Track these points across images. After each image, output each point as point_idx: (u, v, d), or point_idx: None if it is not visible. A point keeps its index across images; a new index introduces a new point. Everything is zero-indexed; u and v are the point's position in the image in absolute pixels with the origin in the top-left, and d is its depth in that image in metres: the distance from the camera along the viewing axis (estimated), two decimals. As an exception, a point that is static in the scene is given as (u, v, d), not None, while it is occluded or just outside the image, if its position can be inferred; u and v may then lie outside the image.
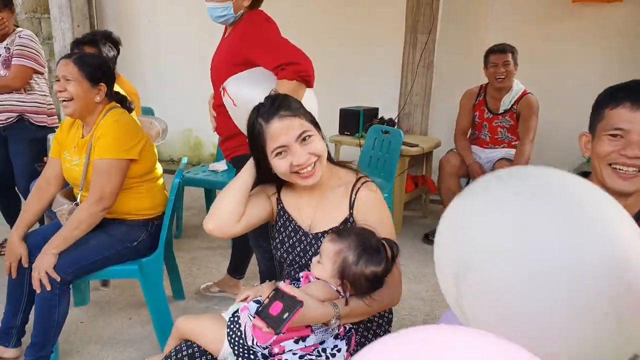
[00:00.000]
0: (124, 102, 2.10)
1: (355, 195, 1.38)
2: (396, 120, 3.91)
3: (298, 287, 1.28)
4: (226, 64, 1.98)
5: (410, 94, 3.94)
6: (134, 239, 2.02)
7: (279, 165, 1.33)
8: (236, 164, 2.15)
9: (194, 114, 4.89)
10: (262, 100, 1.40)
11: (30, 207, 2.04)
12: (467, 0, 3.97)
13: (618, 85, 1.20)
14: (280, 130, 1.31)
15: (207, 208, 3.77)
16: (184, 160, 2.43)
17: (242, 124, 1.63)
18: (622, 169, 1.14)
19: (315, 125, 1.39)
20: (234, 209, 1.39)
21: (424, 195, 3.98)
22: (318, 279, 1.28)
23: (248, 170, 1.43)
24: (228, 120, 1.95)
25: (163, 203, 2.12)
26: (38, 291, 1.81)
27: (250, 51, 1.90)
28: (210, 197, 3.76)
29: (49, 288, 1.79)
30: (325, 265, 1.26)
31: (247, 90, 1.82)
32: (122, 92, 2.19)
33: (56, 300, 1.81)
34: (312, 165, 1.33)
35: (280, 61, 1.78)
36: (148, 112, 3.95)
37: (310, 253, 1.39)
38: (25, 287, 1.96)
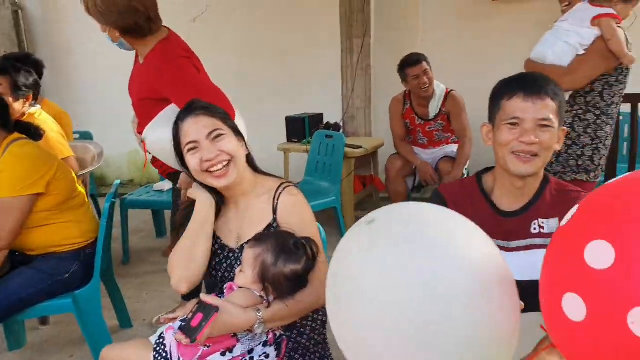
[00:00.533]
0: (28, 130, 1.99)
1: (278, 200, 1.38)
2: (341, 124, 3.94)
3: (222, 298, 1.26)
4: (143, 98, 1.94)
5: (352, 98, 3.98)
6: (65, 270, 1.91)
7: (191, 162, 1.33)
8: (173, 178, 2.13)
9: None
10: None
11: None
12: (397, 3, 4.07)
13: (511, 77, 1.28)
14: (192, 126, 1.31)
15: (156, 230, 3.69)
16: (116, 182, 2.34)
17: (175, 163, 1.60)
18: (521, 155, 1.24)
19: (236, 132, 1.38)
20: (203, 262, 1.36)
21: (374, 195, 4.02)
22: (241, 287, 1.27)
23: (202, 208, 1.37)
24: None
25: (94, 229, 2.03)
26: None
27: (166, 90, 1.86)
28: (158, 219, 3.67)
29: None
30: (246, 272, 1.25)
31: (167, 132, 1.74)
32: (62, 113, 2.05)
33: None
34: (225, 164, 1.32)
35: (184, 97, 1.68)
36: (86, 135, 3.84)
37: (235, 268, 1.37)
38: None
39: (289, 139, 3.86)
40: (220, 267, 1.41)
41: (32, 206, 1.83)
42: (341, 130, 3.79)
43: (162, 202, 3.29)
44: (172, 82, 1.84)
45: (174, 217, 2.36)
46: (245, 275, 1.25)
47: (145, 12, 1.86)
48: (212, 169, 1.31)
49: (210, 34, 4.33)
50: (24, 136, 1.94)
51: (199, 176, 1.34)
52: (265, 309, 1.22)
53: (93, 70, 4.93)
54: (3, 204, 1.77)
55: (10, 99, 2.35)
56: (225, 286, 1.33)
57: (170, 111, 1.79)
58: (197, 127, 1.31)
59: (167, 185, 3.45)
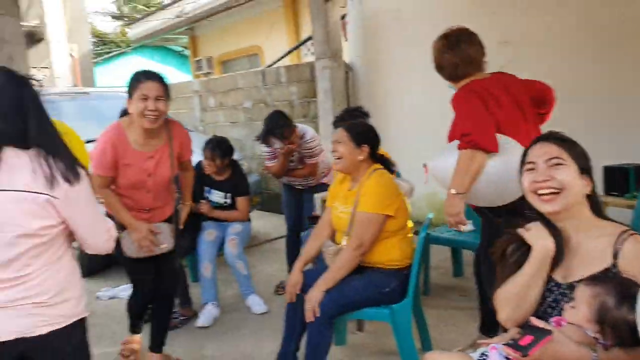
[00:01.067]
0: (386, 164, 2.41)
1: (621, 245, 1.31)
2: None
3: None
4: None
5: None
6: (387, 285, 2.24)
7: (524, 180, 1.42)
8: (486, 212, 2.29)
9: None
10: None
11: (310, 246, 2.47)
12: None
13: None
14: (536, 150, 1.42)
15: (455, 269, 3.82)
16: (430, 215, 2.58)
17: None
18: (542, 194, 1.37)
19: (582, 168, 1.39)
20: (535, 305, 1.38)
21: None
22: (571, 323, 1.23)
23: (541, 251, 1.37)
24: None
25: (410, 256, 2.31)
26: (308, 320, 2.15)
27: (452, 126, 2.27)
28: (457, 258, 3.80)
29: (317, 315, 2.12)
30: (580, 309, 1.22)
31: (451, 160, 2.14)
32: (386, 154, 2.51)
33: (323, 329, 2.12)
34: (553, 192, 1.34)
35: (459, 132, 2.11)
36: (396, 174, 4.31)
37: (562, 303, 1.34)
38: (298, 316, 2.33)
39: (607, 191, 3.45)
40: (544, 300, 1.40)
41: (384, 225, 2.21)
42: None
43: (463, 241, 3.41)
44: (456, 110, 2.20)
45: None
46: (579, 312, 1.23)
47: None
48: (539, 192, 1.37)
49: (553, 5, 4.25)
50: (381, 167, 2.38)
51: (528, 196, 1.41)
52: (603, 351, 1.16)
53: (403, 117, 5.51)
54: (368, 217, 2.19)
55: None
56: (551, 320, 1.31)
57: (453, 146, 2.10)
58: (539, 152, 1.40)
59: (468, 226, 3.55)
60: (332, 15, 5.41)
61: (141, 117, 2.31)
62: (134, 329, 2.79)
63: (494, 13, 4.60)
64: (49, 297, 1.47)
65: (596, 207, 1.41)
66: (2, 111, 1.40)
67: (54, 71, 10.20)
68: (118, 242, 2.33)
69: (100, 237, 1.58)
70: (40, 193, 1.40)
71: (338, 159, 2.34)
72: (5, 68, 1.48)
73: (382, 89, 5.73)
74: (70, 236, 1.55)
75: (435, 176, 2.24)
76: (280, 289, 3.71)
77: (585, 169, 1.38)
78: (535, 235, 1.38)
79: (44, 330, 1.46)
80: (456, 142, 2.11)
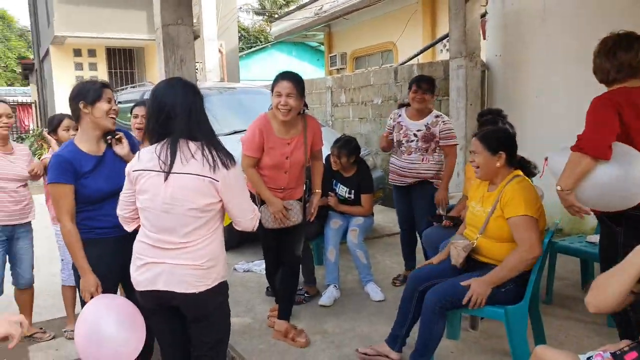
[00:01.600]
0: (525, 167, 2.46)
1: None
2: None
3: None
4: None
5: None
6: (503, 285, 2.28)
7: None
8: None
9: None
10: None
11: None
12: None
13: None
14: None
15: (583, 281, 3.64)
16: (557, 221, 2.55)
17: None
18: None
19: None
20: (622, 293, 1.39)
21: None
22: None
23: None
24: None
25: (532, 259, 2.32)
26: (472, 307, 2.27)
27: None
28: (586, 270, 3.62)
29: (482, 305, 2.26)
30: None
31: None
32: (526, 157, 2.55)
33: (436, 319, 2.24)
34: None
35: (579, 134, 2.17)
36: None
37: None
38: (413, 305, 2.49)
39: None
40: None
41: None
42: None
43: (594, 254, 3.24)
44: (587, 114, 2.23)
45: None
46: None
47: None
48: None
49: None
50: (521, 173, 2.45)
51: None
52: None
53: (539, 120, 5.27)
54: (525, 220, 2.26)
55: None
56: None
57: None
58: None
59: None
60: (471, 14, 5.35)
61: (277, 110, 2.79)
62: (277, 298, 3.21)
63: (655, 11, 4.20)
64: (203, 262, 1.81)
65: None
66: (180, 114, 1.79)
67: (205, 65, 11.36)
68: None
69: (247, 215, 1.91)
70: (206, 176, 1.77)
71: (477, 167, 2.43)
72: (181, 79, 1.93)
73: (519, 90, 5.53)
74: (222, 212, 1.90)
75: (552, 169, 2.29)
76: (397, 281, 3.88)
77: None
78: None
79: (197, 290, 1.81)
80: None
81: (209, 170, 1.77)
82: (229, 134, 5.33)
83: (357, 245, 3.65)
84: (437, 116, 3.68)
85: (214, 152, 1.80)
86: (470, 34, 5.39)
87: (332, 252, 3.64)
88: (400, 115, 3.78)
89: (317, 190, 3.12)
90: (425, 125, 3.65)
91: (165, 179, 1.76)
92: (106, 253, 2.16)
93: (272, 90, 2.83)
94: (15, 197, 3.11)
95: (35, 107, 17.22)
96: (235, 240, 4.73)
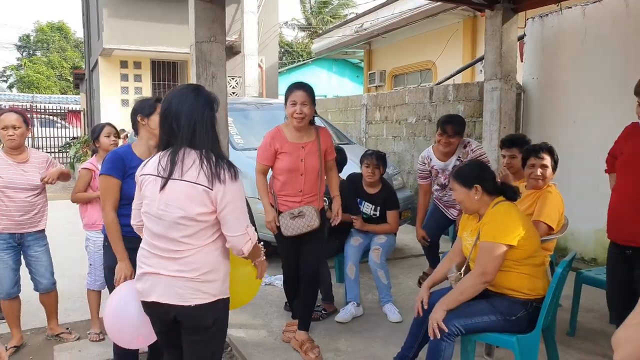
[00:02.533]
0: (507, 193, 2.44)
1: None
2: None
3: None
4: None
5: None
6: (513, 313, 2.25)
7: None
8: None
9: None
10: None
11: (440, 269, 2.62)
12: None
13: None
14: None
15: (610, 314, 3.49)
16: (573, 252, 2.49)
17: None
18: None
19: None
20: None
21: None
22: None
23: None
24: None
25: (543, 288, 2.27)
26: (432, 337, 2.26)
27: None
28: (614, 303, 3.48)
29: (438, 336, 2.23)
30: None
31: None
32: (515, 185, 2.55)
33: (443, 346, 2.21)
34: None
35: None
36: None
37: None
38: (423, 329, 2.47)
39: None
40: None
41: (505, 253, 2.25)
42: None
43: (622, 286, 3.12)
44: None
45: None
46: None
47: None
48: None
49: None
50: (503, 199, 2.42)
51: None
52: None
53: (580, 143, 5.12)
54: (488, 246, 2.27)
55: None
56: None
57: None
58: None
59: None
60: (508, 36, 5.29)
61: (292, 118, 2.95)
62: (294, 314, 3.25)
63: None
64: (198, 274, 1.78)
65: None
66: (185, 122, 1.79)
67: (245, 80, 11.64)
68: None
69: (236, 231, 1.80)
70: (200, 184, 1.74)
71: (459, 203, 2.51)
72: (199, 88, 1.90)
73: (556, 115, 5.42)
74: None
75: None
76: (422, 280, 3.88)
77: None
78: None
79: (193, 302, 1.78)
80: None
81: (204, 179, 1.75)
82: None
83: (379, 264, 3.65)
84: (464, 147, 3.69)
85: (214, 163, 1.77)
86: (506, 56, 5.31)
87: (352, 268, 3.65)
88: (431, 159, 3.85)
89: (336, 195, 3.21)
90: (458, 160, 3.71)
91: (162, 184, 1.77)
92: (133, 250, 2.19)
93: (285, 100, 2.99)
94: (25, 207, 3.16)
95: (84, 114, 18.05)
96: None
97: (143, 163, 1.92)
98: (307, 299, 3.14)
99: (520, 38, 5.97)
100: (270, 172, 3.15)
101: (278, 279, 4.36)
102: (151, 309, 1.88)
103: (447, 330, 2.22)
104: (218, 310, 1.87)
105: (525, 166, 3.10)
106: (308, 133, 3.06)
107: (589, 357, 3.00)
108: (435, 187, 3.92)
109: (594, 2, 4.96)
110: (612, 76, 4.78)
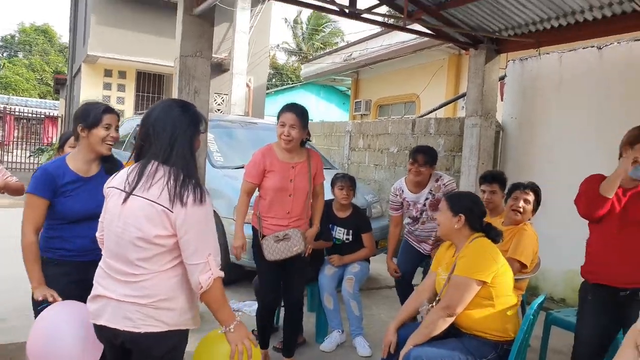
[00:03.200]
0: (490, 233, 2.42)
1: None
2: None
3: None
4: None
5: None
6: (484, 355, 2.22)
7: None
8: None
9: (582, 256, 4.69)
10: None
11: (408, 306, 2.58)
12: None
13: None
14: None
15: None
16: (543, 294, 2.48)
17: None
18: None
19: None
20: None
21: None
22: None
23: None
24: None
25: (514, 330, 2.25)
26: None
27: None
28: (581, 347, 3.48)
29: None
30: None
31: None
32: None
33: None
34: None
35: None
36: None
37: None
38: None
39: None
40: None
41: (476, 290, 2.24)
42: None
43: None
44: None
45: None
46: None
47: None
48: None
49: None
50: (483, 235, 2.42)
51: None
52: None
53: (553, 182, 5.20)
54: (458, 280, 2.25)
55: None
56: None
57: None
58: None
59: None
60: (490, 75, 5.41)
61: (279, 139, 2.95)
62: (263, 344, 3.16)
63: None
64: (152, 301, 1.62)
65: None
66: (159, 136, 1.66)
67: (231, 98, 11.64)
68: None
69: (196, 260, 1.62)
70: (160, 204, 1.60)
71: (438, 225, 2.49)
72: (188, 105, 1.79)
73: (532, 154, 5.52)
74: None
75: None
76: None
77: None
78: None
79: (143, 329, 1.62)
80: None
81: (166, 199, 1.61)
82: (240, 167, 5.40)
83: (352, 295, 3.60)
84: (436, 180, 3.69)
85: (180, 182, 1.62)
86: (487, 94, 5.43)
87: (329, 299, 3.58)
88: (403, 191, 3.80)
89: (315, 224, 3.16)
90: (430, 193, 3.69)
91: (124, 200, 1.65)
92: (64, 275, 2.12)
93: (277, 120, 2.98)
94: None
95: (62, 121, 17.77)
96: (232, 276, 4.69)
97: (112, 175, 1.80)
98: (294, 325, 3.14)
99: (502, 78, 6.12)
100: (256, 193, 3.09)
101: (247, 306, 4.26)
102: (100, 332, 1.74)
103: None
104: (172, 343, 1.70)
105: (509, 199, 3.14)
106: (299, 154, 3.04)
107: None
108: (407, 220, 3.88)
109: (570, 51, 5.13)
110: (585, 121, 4.91)
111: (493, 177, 3.59)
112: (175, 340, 1.71)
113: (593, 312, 2.51)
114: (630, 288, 2.39)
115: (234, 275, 4.67)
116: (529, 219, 3.14)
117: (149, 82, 13.43)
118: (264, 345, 3.16)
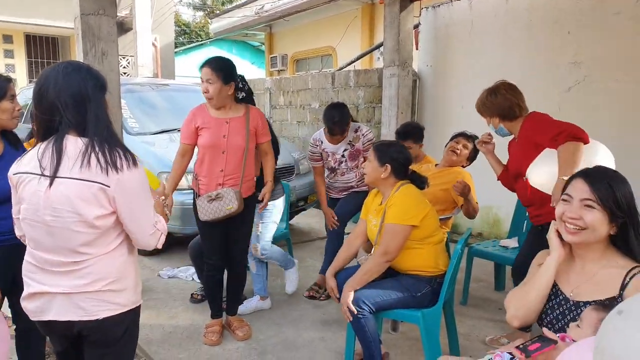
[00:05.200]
0: (416, 181, 2.56)
1: (630, 279, 1.44)
2: None
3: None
4: (527, 157, 2.58)
5: None
6: (419, 290, 2.38)
7: (557, 209, 1.54)
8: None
9: (494, 193, 5.07)
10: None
11: (341, 255, 2.68)
12: None
13: None
14: (579, 187, 1.50)
15: (496, 283, 3.86)
16: (469, 229, 2.69)
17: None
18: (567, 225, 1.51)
19: (613, 215, 1.46)
20: (538, 306, 1.56)
21: None
22: (574, 341, 1.34)
23: (553, 260, 1.55)
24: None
25: (445, 264, 2.43)
26: (348, 320, 2.35)
27: (538, 138, 2.51)
28: (499, 273, 3.84)
29: (351, 319, 2.33)
30: (584, 330, 1.33)
31: (546, 168, 2.39)
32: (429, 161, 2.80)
33: (363, 322, 2.31)
34: (577, 228, 1.47)
35: (552, 133, 2.39)
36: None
37: (567, 318, 1.48)
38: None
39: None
40: (552, 311, 1.55)
41: (409, 234, 2.37)
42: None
43: (506, 258, 3.45)
44: (541, 130, 2.46)
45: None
46: (583, 332, 1.35)
47: (515, 101, 2.69)
48: (567, 224, 1.50)
49: (584, 105, 4.26)
50: (408, 182, 2.54)
51: (558, 221, 1.54)
52: None
53: (467, 128, 5.51)
54: (393, 228, 2.36)
55: None
56: (558, 335, 1.43)
57: (546, 153, 2.44)
58: (581, 190, 1.50)
59: (512, 243, 3.60)
60: (405, 23, 5.51)
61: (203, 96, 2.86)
62: (215, 313, 3.11)
63: (569, 33, 4.53)
64: (103, 285, 1.53)
65: (617, 244, 1.50)
66: (69, 105, 1.48)
67: (137, 59, 10.94)
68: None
69: (146, 231, 1.57)
70: (95, 182, 1.45)
71: (365, 174, 2.59)
72: (87, 66, 1.58)
73: (447, 101, 5.78)
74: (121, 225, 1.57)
75: (538, 184, 2.47)
76: (313, 291, 3.80)
77: (615, 215, 1.45)
78: (555, 241, 1.55)
79: (100, 316, 1.54)
80: (548, 152, 2.44)
81: (99, 174, 1.45)
82: (158, 133, 5.18)
83: (256, 259, 3.50)
84: (355, 131, 3.74)
85: (108, 151, 1.47)
86: (403, 43, 5.54)
87: (252, 263, 3.51)
88: (322, 142, 3.78)
89: (268, 180, 3.11)
90: (349, 144, 3.72)
91: (49, 185, 1.46)
92: None
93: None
94: None
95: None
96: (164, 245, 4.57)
97: (18, 158, 1.58)
98: (237, 284, 3.14)
99: (416, 27, 6.25)
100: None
101: (182, 271, 4.20)
102: (47, 327, 1.62)
103: (356, 312, 2.31)
104: (129, 320, 1.65)
105: (451, 142, 3.41)
106: (235, 109, 2.92)
107: (479, 321, 3.30)
108: (326, 172, 3.88)
109: (480, -4, 5.34)
110: (494, 66, 5.19)
111: (405, 135, 3.66)
112: (132, 317, 1.67)
113: (529, 244, 2.79)
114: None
115: (165, 244, 4.54)
116: (463, 166, 3.34)
117: (41, 46, 12.21)
118: (216, 314, 3.10)
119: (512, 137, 2.84)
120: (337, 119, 3.58)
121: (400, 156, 2.54)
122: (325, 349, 2.92)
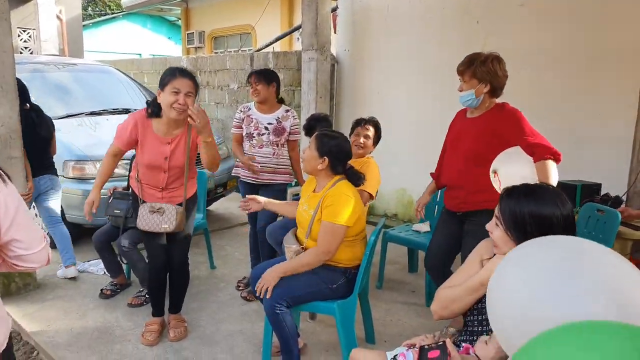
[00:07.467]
0: (352, 177, 2.55)
1: None
2: (624, 199, 3.56)
3: (458, 352, 1.43)
4: (482, 141, 2.59)
5: (643, 170, 3.56)
6: (334, 282, 2.42)
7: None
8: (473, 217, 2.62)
9: (408, 176, 5.29)
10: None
11: (284, 206, 2.83)
12: None
13: None
14: None
15: (409, 265, 4.04)
16: (382, 220, 2.76)
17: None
18: None
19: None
20: (467, 309, 1.59)
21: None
22: (477, 356, 1.41)
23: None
24: (481, 176, 2.54)
25: (361, 256, 2.48)
26: (257, 294, 2.39)
27: (507, 131, 2.52)
28: (412, 256, 4.03)
29: (262, 296, 2.36)
30: (490, 348, 1.39)
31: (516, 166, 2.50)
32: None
33: (281, 316, 2.33)
34: None
35: (528, 141, 2.43)
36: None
37: (488, 328, 1.51)
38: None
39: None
40: (479, 314, 1.58)
41: (345, 232, 2.40)
42: (623, 205, 3.42)
43: (418, 242, 3.62)
44: (515, 126, 2.50)
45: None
46: (487, 350, 1.40)
47: (505, 82, 2.60)
48: None
49: (534, 21, 4.35)
50: (344, 177, 2.54)
51: None
52: None
53: (383, 112, 5.65)
54: (334, 228, 2.37)
55: None
56: (463, 345, 1.51)
57: (514, 150, 2.50)
58: None
59: (425, 227, 3.77)
60: (322, 7, 5.49)
61: (169, 109, 2.59)
62: (156, 310, 3.01)
63: (478, 23, 4.74)
64: None
65: None
66: None
67: (40, 33, 10.05)
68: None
69: (39, 248, 1.36)
70: None
71: (303, 159, 2.57)
72: None
73: (364, 86, 5.87)
74: None
75: (503, 181, 2.50)
76: (242, 284, 3.77)
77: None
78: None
79: None
80: (518, 150, 2.49)
81: None
82: (63, 117, 4.82)
83: None
84: (287, 110, 3.71)
85: None
86: (321, 27, 5.53)
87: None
88: (250, 109, 3.72)
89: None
90: (276, 119, 3.65)
91: None
92: None
93: (162, 85, 2.59)
94: None
95: None
96: (72, 236, 4.30)
97: None
98: (179, 286, 3.05)
99: (334, 10, 6.26)
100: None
101: (93, 265, 3.99)
102: None
103: (269, 297, 2.33)
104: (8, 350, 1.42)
105: (352, 135, 3.31)
106: (179, 125, 2.73)
107: (394, 305, 3.44)
108: (245, 146, 3.70)
109: (395, -20, 5.41)
110: (410, 51, 5.34)
111: (309, 128, 3.50)
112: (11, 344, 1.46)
113: (439, 229, 2.88)
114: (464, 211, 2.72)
115: (74, 235, 4.30)
116: (370, 152, 3.35)
117: None
118: (158, 312, 3.01)
119: (463, 108, 2.79)
120: (260, 70, 3.63)
121: (339, 151, 2.51)
122: (244, 341, 2.92)
